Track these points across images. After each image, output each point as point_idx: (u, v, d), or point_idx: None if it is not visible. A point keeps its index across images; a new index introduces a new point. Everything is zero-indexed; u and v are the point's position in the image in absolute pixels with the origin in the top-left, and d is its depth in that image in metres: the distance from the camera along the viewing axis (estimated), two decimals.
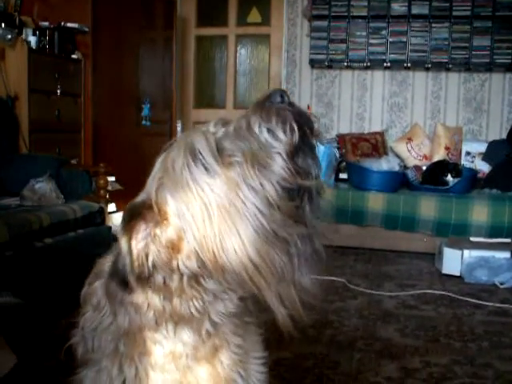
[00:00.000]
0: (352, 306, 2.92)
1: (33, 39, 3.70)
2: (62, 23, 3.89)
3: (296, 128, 0.77)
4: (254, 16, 5.57)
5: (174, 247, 0.79)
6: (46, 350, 2.13)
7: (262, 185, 0.75)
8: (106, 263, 0.89)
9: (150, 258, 0.78)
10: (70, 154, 3.85)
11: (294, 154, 0.77)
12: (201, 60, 5.81)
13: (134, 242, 0.78)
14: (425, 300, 3.06)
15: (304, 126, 0.78)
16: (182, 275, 0.80)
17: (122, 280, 0.78)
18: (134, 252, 0.77)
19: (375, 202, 4.24)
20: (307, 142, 0.78)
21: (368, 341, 2.42)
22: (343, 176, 4.76)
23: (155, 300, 0.81)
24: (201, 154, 0.78)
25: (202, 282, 0.80)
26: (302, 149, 0.78)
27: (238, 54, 5.69)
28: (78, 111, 4.09)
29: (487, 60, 4.86)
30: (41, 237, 2.72)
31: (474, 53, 4.87)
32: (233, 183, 0.76)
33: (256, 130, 0.77)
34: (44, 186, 3.06)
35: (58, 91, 3.83)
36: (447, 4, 4.86)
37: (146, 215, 0.79)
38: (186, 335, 0.83)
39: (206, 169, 0.77)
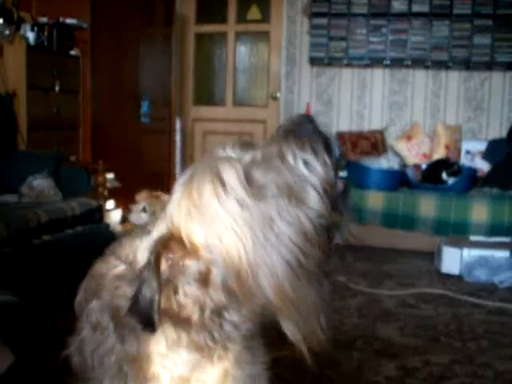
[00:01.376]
0: (351, 304, 2.91)
1: (31, 35, 3.67)
2: (61, 19, 3.85)
3: (330, 162, 0.74)
4: (254, 13, 5.55)
5: (203, 280, 0.75)
6: (44, 348, 2.11)
7: (298, 219, 0.72)
8: (102, 266, 0.87)
9: (181, 292, 0.75)
10: (68, 151, 3.84)
11: (330, 189, 0.74)
12: (200, 57, 5.79)
13: (159, 278, 0.73)
14: (424, 299, 3.05)
15: (332, 156, 0.75)
16: (204, 309, 0.76)
17: (145, 318, 0.72)
18: (160, 288, 0.72)
19: (375, 200, 4.23)
20: (338, 175, 0.75)
21: (368, 340, 2.41)
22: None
23: (170, 330, 0.78)
24: (230, 185, 0.73)
25: (225, 314, 0.77)
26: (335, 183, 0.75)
27: (237, 51, 5.68)
28: (77, 108, 4.07)
29: (487, 59, 4.84)
30: (39, 234, 2.71)
31: (474, 51, 4.85)
32: (267, 217, 0.72)
33: (290, 160, 0.73)
34: (42, 183, 3.05)
35: (57, 88, 3.81)
36: (448, 2, 4.85)
37: (174, 247, 0.75)
38: (196, 360, 0.80)
39: (236, 201, 0.73)
